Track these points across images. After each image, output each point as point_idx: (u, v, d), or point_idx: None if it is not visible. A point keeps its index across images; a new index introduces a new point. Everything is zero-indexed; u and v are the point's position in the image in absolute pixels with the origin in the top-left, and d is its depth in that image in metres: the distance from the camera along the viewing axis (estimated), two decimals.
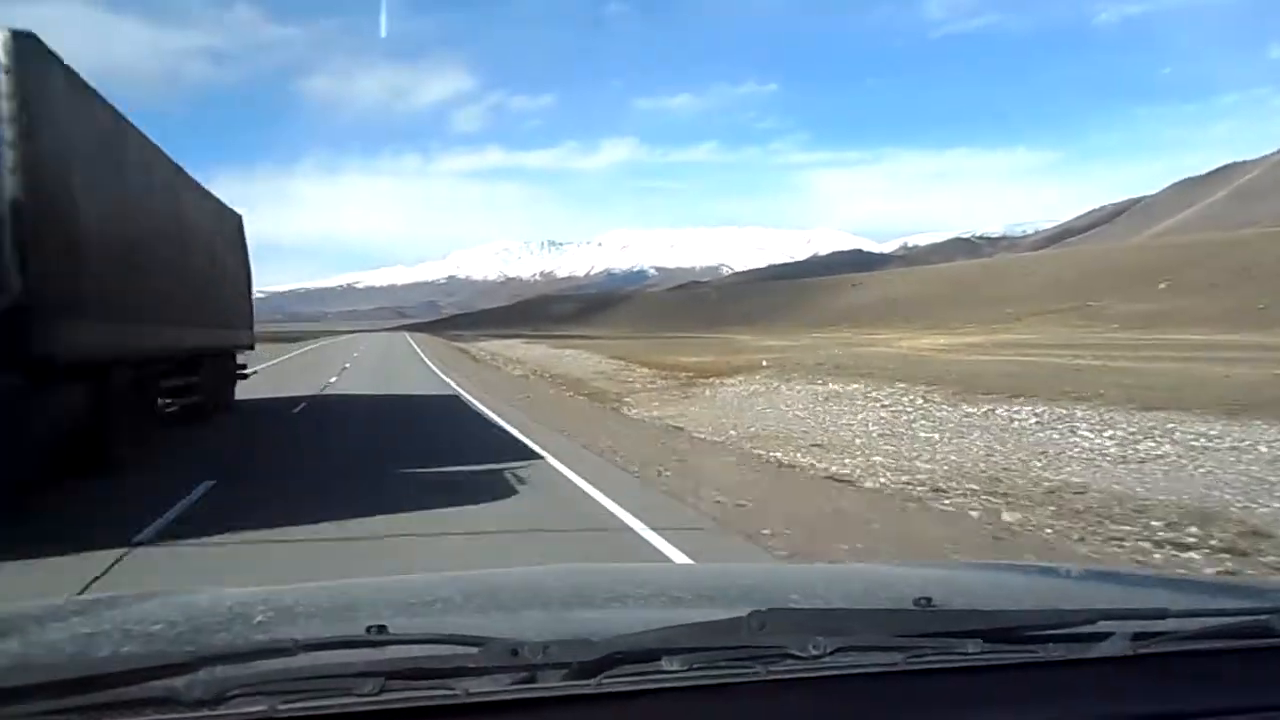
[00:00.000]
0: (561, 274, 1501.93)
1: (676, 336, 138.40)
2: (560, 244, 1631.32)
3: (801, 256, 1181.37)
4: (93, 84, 11.85)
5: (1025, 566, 3.95)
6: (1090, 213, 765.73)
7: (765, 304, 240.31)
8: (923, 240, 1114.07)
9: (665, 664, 1.42)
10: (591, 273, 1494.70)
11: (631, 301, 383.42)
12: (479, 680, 1.36)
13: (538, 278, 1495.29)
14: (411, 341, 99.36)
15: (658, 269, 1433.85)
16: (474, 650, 1.41)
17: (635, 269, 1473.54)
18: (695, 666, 1.42)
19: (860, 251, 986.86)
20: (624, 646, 1.43)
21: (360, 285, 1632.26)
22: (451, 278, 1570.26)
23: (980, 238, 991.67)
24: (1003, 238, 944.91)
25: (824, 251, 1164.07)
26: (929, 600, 1.73)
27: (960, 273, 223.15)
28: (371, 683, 1.32)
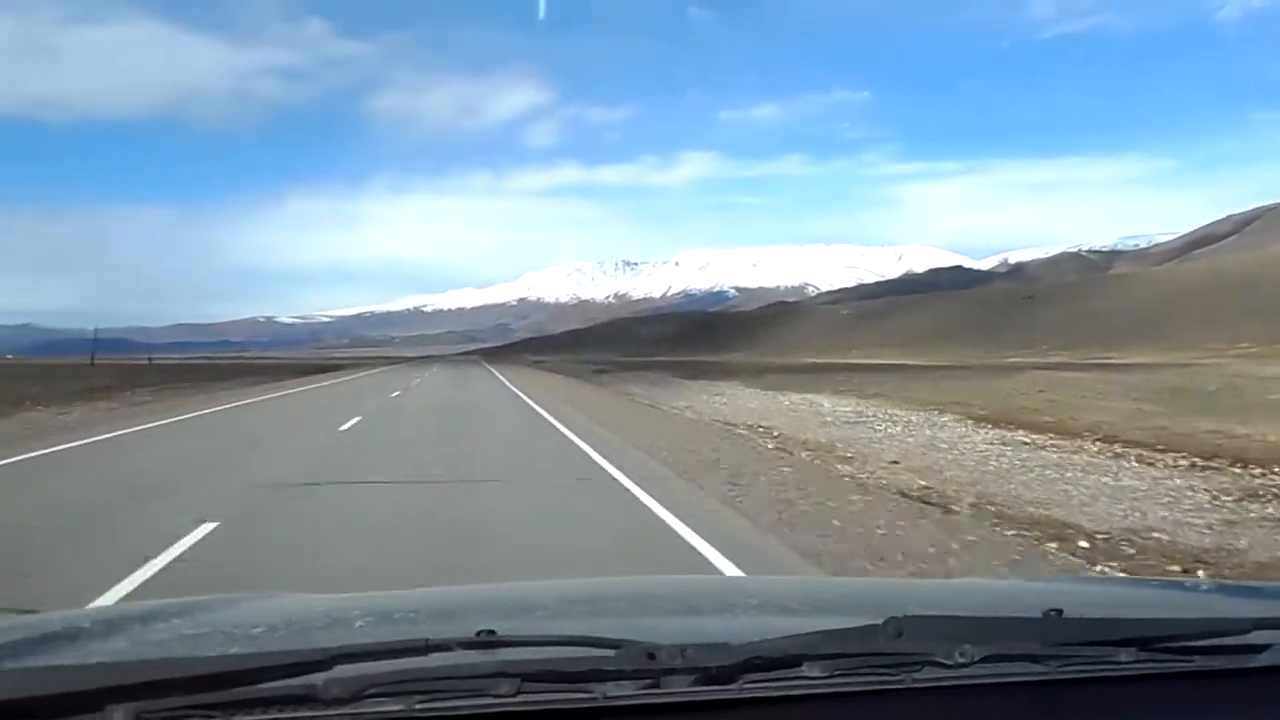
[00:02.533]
0: (637, 295, 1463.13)
1: (835, 365, 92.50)
2: (635, 264, 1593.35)
3: (893, 275, 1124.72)
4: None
5: (1149, 581, 3.81)
6: (1216, 222, 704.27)
7: (919, 323, 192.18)
8: (1025, 255, 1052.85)
9: (806, 670, 1.41)
10: (668, 294, 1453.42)
11: (735, 322, 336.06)
12: (615, 684, 1.34)
13: (612, 299, 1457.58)
14: (502, 379, 53.14)
15: (739, 289, 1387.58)
16: (610, 653, 1.39)
17: (715, 289, 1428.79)
18: (837, 673, 1.41)
19: (960, 269, 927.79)
20: (763, 651, 1.41)
21: (428, 309, 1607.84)
22: (523, 300, 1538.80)
23: (1093, 251, 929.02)
24: (1116, 251, 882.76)
25: (918, 269, 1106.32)
26: (1059, 612, 1.68)
27: (1175, 281, 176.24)
28: (508, 684, 1.31)
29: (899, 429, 21.22)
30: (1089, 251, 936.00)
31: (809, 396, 32.37)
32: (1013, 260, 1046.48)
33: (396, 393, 33.39)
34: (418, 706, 1.29)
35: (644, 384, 46.39)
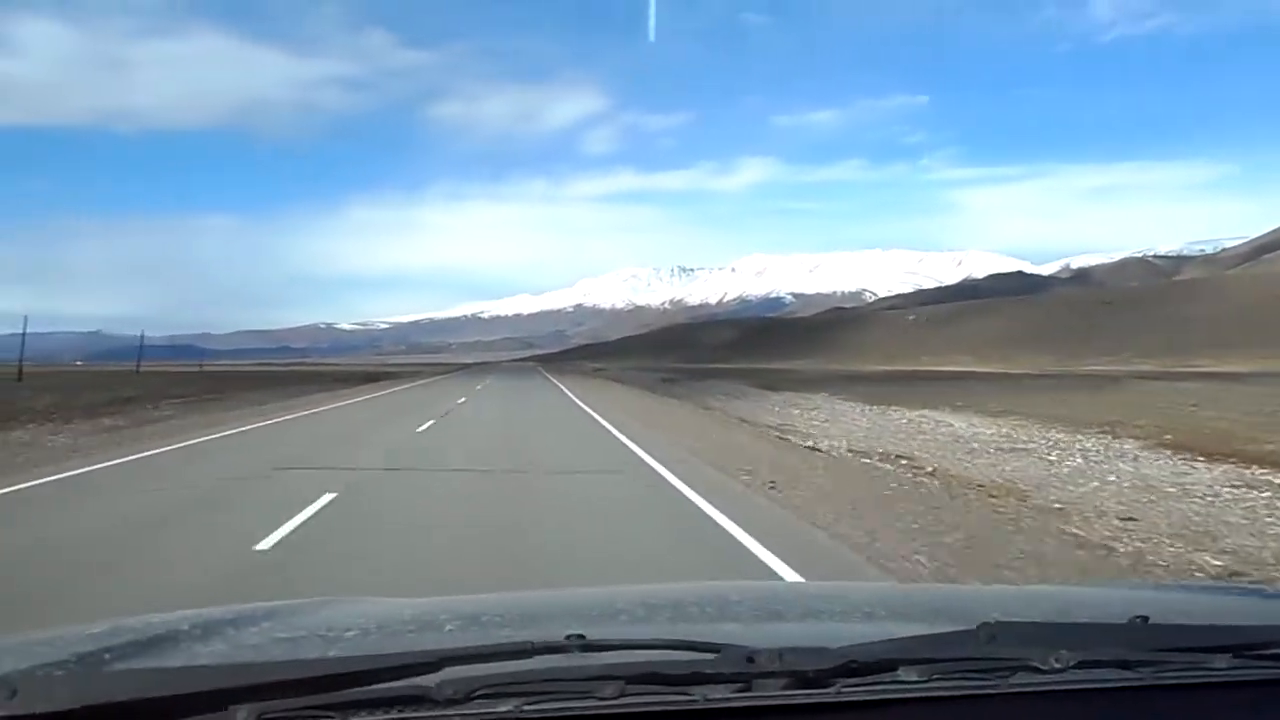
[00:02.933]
0: (693, 301, 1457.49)
1: (916, 373, 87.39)
2: (691, 270, 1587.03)
3: (952, 280, 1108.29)
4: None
5: (1231, 587, 3.71)
6: None
7: (989, 329, 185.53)
8: (1088, 261, 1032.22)
9: (902, 674, 1.41)
10: (725, 300, 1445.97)
11: (797, 328, 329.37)
12: (715, 687, 1.36)
13: (668, 305, 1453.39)
14: (566, 391, 48.78)
15: (795, 295, 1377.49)
16: (709, 656, 1.40)
17: (771, 295, 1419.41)
18: (934, 677, 1.41)
19: (1022, 274, 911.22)
20: (859, 655, 1.41)
21: (485, 315, 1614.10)
22: (579, 306, 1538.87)
23: (1159, 256, 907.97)
24: (1183, 256, 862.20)
25: (977, 274, 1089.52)
26: (1145, 618, 1.66)
27: (1254, 286, 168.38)
28: (611, 686, 1.33)
29: (1081, 461, 16.70)
30: (1155, 257, 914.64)
31: (925, 413, 27.85)
32: (1075, 265, 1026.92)
33: (444, 412, 28.65)
34: (526, 708, 1.30)
35: (721, 396, 41.98)
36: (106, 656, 1.56)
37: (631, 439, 19.88)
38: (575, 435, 21.85)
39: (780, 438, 21.00)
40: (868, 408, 31.01)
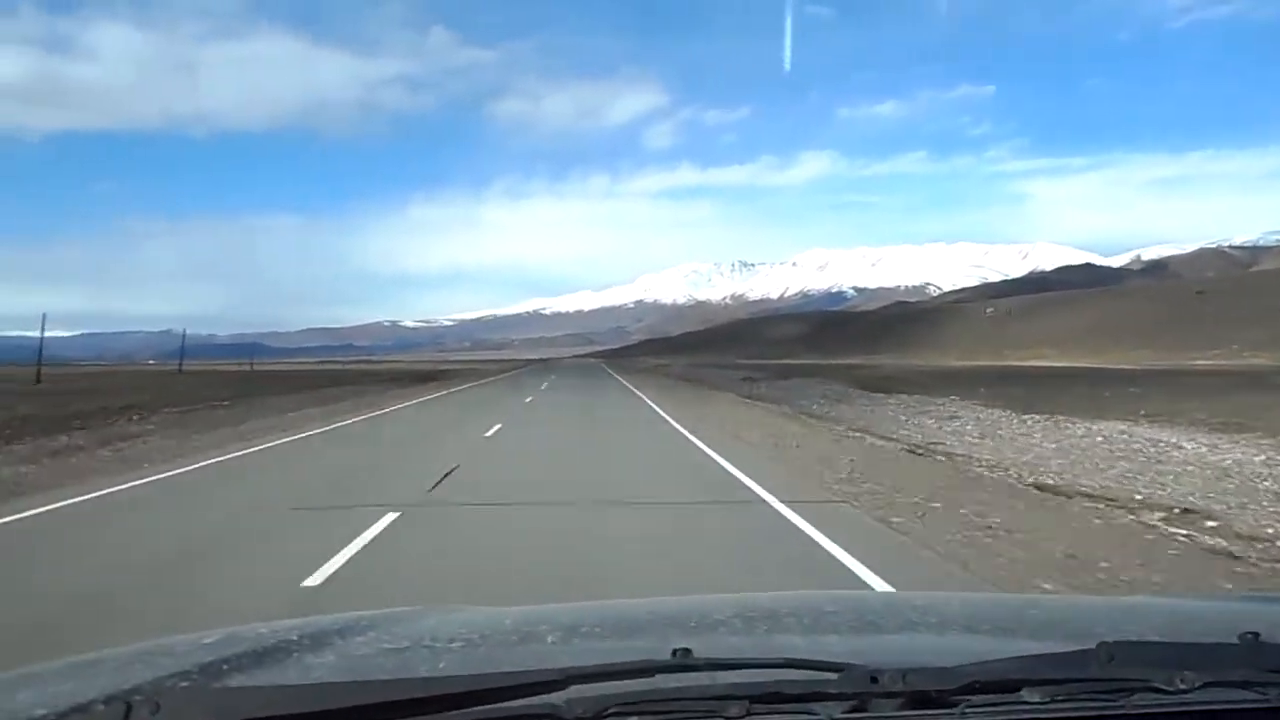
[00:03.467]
0: (754, 296, 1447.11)
1: (1030, 370, 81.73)
2: (752, 265, 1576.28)
3: (1018, 273, 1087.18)
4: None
5: None
6: None
7: (1075, 321, 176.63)
8: (1160, 252, 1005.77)
9: (1025, 695, 1.41)
10: (786, 294, 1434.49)
11: (869, 321, 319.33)
12: (838, 705, 1.36)
13: (729, 301, 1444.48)
14: (637, 392, 43.87)
15: (857, 289, 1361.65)
16: (832, 676, 1.40)
17: (833, 290, 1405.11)
18: (1057, 699, 1.41)
19: (1091, 266, 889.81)
20: (983, 676, 1.42)
21: (546, 311, 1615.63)
22: (639, 302, 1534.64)
23: (1236, 247, 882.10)
24: (1260, 246, 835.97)
25: (1045, 267, 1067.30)
26: (1255, 635, 1.64)
27: None
28: (737, 705, 1.33)
29: None
30: (1231, 247, 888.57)
31: (1115, 426, 21.43)
32: (1146, 257, 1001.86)
33: (496, 426, 22.78)
34: None
35: (819, 399, 35.68)
36: (225, 668, 1.59)
37: (751, 475, 13.85)
38: (668, 464, 15.79)
39: (964, 471, 14.76)
40: (1024, 417, 24.64)
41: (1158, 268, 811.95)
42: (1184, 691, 1.41)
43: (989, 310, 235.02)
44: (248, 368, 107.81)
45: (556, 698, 1.31)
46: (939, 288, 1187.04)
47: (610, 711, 1.30)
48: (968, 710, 1.37)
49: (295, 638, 1.83)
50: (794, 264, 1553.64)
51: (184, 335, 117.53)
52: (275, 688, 1.51)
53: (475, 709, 1.30)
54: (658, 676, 1.38)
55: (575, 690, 1.33)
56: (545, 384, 54.13)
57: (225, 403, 31.66)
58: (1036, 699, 1.40)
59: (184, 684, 1.47)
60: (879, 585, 7.25)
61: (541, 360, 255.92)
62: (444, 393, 49.39)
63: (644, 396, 37.26)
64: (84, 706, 1.30)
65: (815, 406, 31.47)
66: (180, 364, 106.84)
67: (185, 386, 48.30)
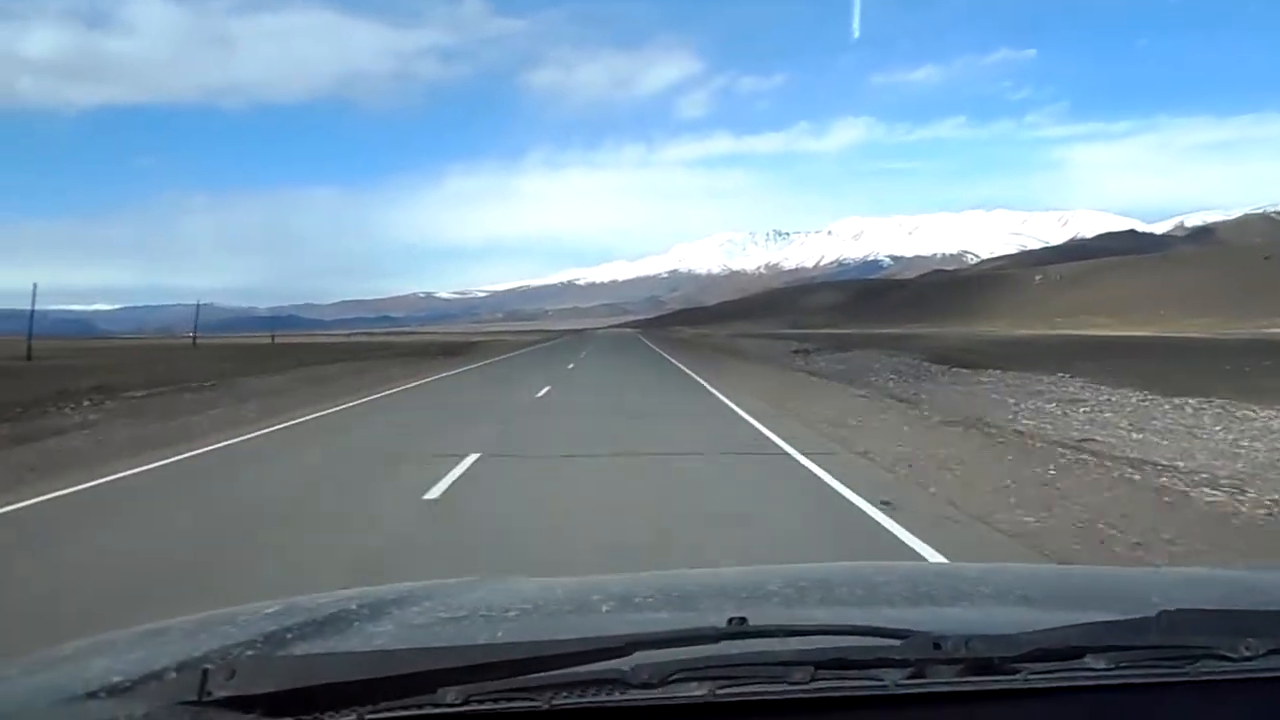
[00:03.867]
0: (788, 265, 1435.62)
1: (1092, 340, 76.60)
2: (787, 234, 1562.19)
3: (1058, 240, 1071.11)
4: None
5: None
6: None
7: (1131, 288, 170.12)
8: (1204, 218, 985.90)
9: (1089, 661, 1.41)
10: (821, 263, 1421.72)
11: (911, 290, 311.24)
12: (901, 672, 1.37)
13: (763, 270, 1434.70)
14: (684, 368, 39.00)
15: (894, 258, 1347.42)
16: (895, 642, 1.41)
17: (869, 258, 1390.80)
18: (1120, 665, 1.41)
19: (1134, 233, 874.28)
20: (1046, 643, 1.41)
21: (580, 282, 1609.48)
22: (674, 272, 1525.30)
23: None
24: None
25: (1085, 234, 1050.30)
26: None
27: None
28: (802, 671, 1.33)
29: None
30: (1278, 213, 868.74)
31: None
32: (1190, 223, 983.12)
33: (506, 415, 19.14)
34: (719, 691, 1.32)
35: (890, 375, 31.06)
36: (289, 637, 1.62)
37: (887, 513, 9.35)
38: (773, 505, 10.75)
39: (1196, 500, 10.14)
40: (1174, 401, 20.02)
41: (1203, 234, 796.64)
42: (1248, 659, 1.41)
43: (1038, 278, 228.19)
44: (269, 340, 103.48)
45: (621, 663, 1.32)
46: (976, 256, 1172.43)
47: (674, 677, 1.31)
48: (1031, 677, 1.37)
49: (354, 607, 1.85)
50: (829, 233, 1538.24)
51: (198, 307, 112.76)
52: (346, 654, 1.53)
53: (540, 675, 1.31)
54: (721, 643, 1.39)
55: (639, 656, 1.33)
56: (572, 364, 45.53)
57: (209, 384, 27.49)
58: (1100, 665, 1.40)
59: (250, 652, 1.49)
60: None
61: (575, 331, 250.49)
62: (477, 365, 45.52)
63: (697, 376, 32.71)
64: (158, 673, 1.32)
65: (893, 385, 26.98)
66: (194, 337, 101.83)
67: (188, 362, 44.33)
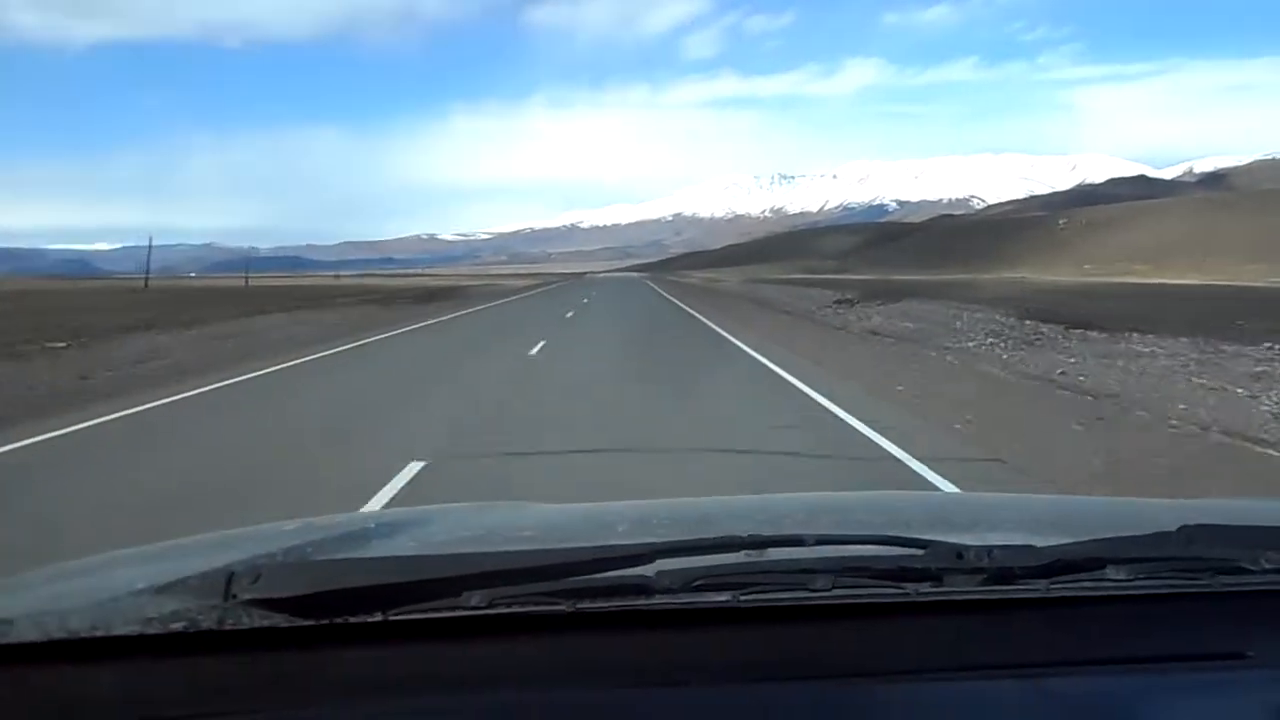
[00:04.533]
0: (793, 210, 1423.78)
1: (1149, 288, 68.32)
2: (791, 178, 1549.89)
3: (1065, 185, 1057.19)
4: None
5: None
6: None
7: (1164, 233, 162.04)
8: (1217, 163, 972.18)
9: (1110, 573, 1.41)
10: (826, 207, 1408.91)
11: (929, 233, 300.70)
12: (924, 581, 1.37)
13: (767, 214, 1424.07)
14: (712, 325, 30.54)
15: (900, 202, 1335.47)
16: (918, 552, 1.40)
17: (874, 202, 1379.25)
18: (1140, 576, 1.42)
19: (1144, 178, 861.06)
20: (1067, 555, 1.41)
21: (584, 225, 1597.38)
22: (678, 215, 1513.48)
23: None
24: None
25: (1093, 179, 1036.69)
26: None
27: None
28: (823, 579, 1.34)
29: None
30: None
31: None
32: (1199, 169, 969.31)
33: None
34: (741, 598, 1.32)
35: (984, 336, 23.68)
36: (309, 550, 1.60)
37: None
38: None
39: None
40: None
41: (1214, 179, 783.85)
42: (1269, 571, 1.42)
43: (1062, 222, 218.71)
44: (243, 284, 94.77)
45: (645, 570, 1.33)
46: (983, 200, 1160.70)
47: (698, 584, 1.32)
48: (1053, 587, 1.38)
49: (372, 525, 1.86)
50: (835, 176, 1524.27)
51: (150, 246, 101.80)
52: (370, 559, 1.52)
53: (568, 580, 1.31)
54: (742, 553, 1.40)
55: (662, 563, 1.34)
56: (571, 311, 39.80)
57: (82, 341, 20.48)
58: (1120, 576, 1.40)
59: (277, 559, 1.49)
60: None
61: (576, 276, 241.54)
62: (459, 313, 37.77)
63: (727, 334, 25.36)
64: (184, 580, 1.32)
65: (1006, 353, 19.58)
66: (146, 280, 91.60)
67: (109, 312, 36.92)
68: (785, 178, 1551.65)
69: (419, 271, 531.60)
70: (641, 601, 1.32)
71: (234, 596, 1.24)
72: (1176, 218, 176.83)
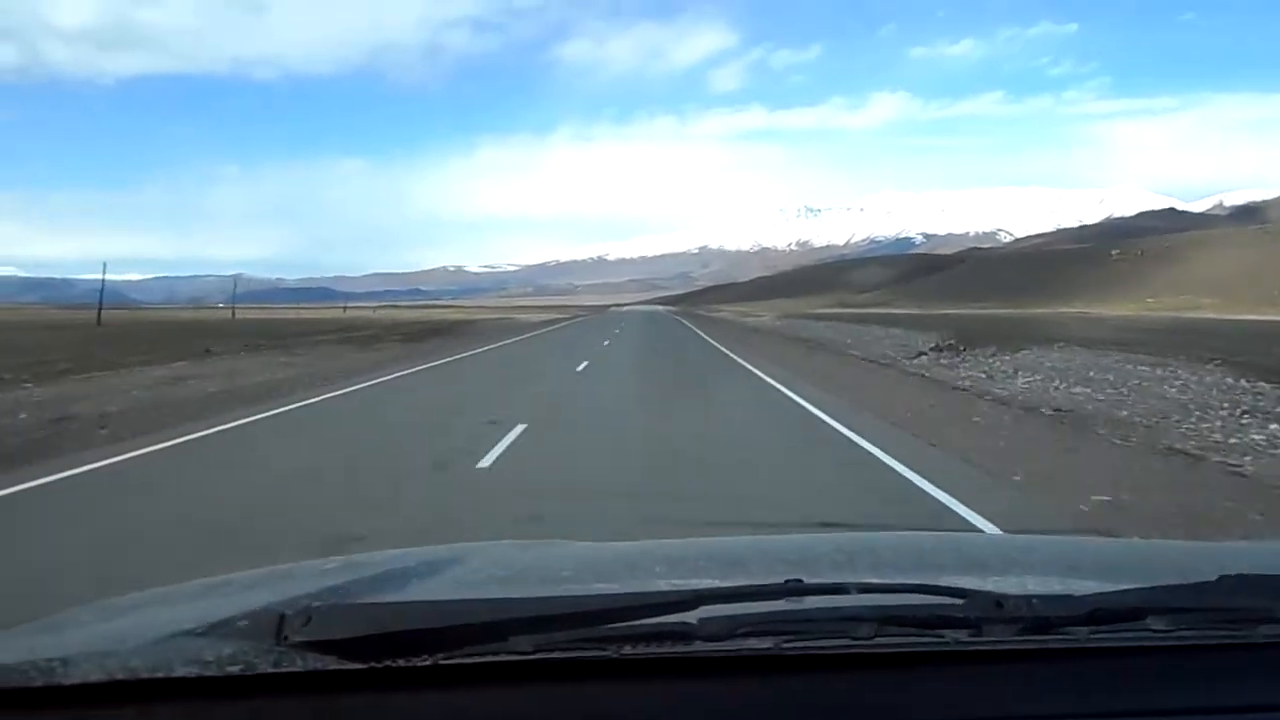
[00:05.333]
0: (819, 242, 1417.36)
1: None
2: (818, 210, 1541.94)
3: (1094, 219, 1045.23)
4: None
5: None
6: None
7: (1225, 265, 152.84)
8: (1249, 196, 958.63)
9: (1151, 623, 1.40)
10: (853, 240, 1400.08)
11: (971, 265, 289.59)
12: (964, 630, 1.37)
13: (794, 247, 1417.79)
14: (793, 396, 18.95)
15: (926, 235, 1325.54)
16: (958, 601, 1.40)
17: (900, 235, 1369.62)
18: (1181, 627, 1.41)
19: (1174, 211, 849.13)
20: (1107, 604, 1.41)
21: (610, 257, 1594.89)
22: (704, 248, 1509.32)
23: None
24: None
25: (1122, 212, 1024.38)
26: None
27: None
28: (866, 627, 1.34)
29: None
30: None
31: None
32: (1229, 202, 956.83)
33: None
34: (784, 645, 1.32)
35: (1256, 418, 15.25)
36: (354, 591, 1.62)
37: None
38: None
39: None
40: None
41: (1246, 212, 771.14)
42: None
43: (1115, 253, 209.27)
44: (229, 315, 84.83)
45: (688, 617, 1.33)
46: (1010, 233, 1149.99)
47: (741, 630, 1.32)
48: (1093, 636, 1.38)
49: (413, 565, 1.87)
50: (861, 209, 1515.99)
51: (103, 279, 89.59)
52: (420, 602, 1.54)
53: (613, 626, 1.32)
54: (784, 600, 1.40)
55: (704, 610, 1.34)
56: (584, 363, 29.42)
57: None
58: (1161, 627, 1.39)
59: (318, 603, 1.47)
60: None
61: (600, 309, 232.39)
62: (470, 353, 27.61)
63: (832, 420, 16.14)
64: (232, 621, 1.34)
65: None
66: (99, 312, 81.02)
67: (26, 348, 28.78)
68: (811, 210, 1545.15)
69: (444, 303, 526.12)
70: (684, 648, 1.33)
71: (286, 639, 1.26)
72: (1236, 249, 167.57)
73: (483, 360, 32.50)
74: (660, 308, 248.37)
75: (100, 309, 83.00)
